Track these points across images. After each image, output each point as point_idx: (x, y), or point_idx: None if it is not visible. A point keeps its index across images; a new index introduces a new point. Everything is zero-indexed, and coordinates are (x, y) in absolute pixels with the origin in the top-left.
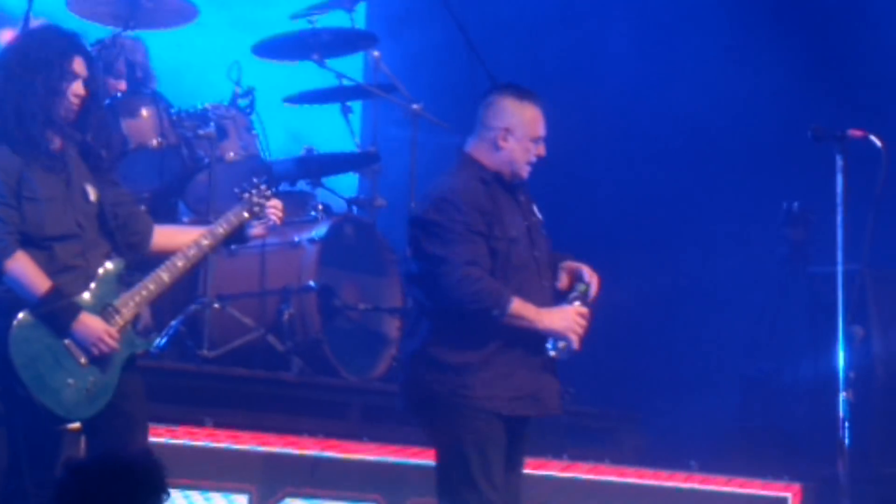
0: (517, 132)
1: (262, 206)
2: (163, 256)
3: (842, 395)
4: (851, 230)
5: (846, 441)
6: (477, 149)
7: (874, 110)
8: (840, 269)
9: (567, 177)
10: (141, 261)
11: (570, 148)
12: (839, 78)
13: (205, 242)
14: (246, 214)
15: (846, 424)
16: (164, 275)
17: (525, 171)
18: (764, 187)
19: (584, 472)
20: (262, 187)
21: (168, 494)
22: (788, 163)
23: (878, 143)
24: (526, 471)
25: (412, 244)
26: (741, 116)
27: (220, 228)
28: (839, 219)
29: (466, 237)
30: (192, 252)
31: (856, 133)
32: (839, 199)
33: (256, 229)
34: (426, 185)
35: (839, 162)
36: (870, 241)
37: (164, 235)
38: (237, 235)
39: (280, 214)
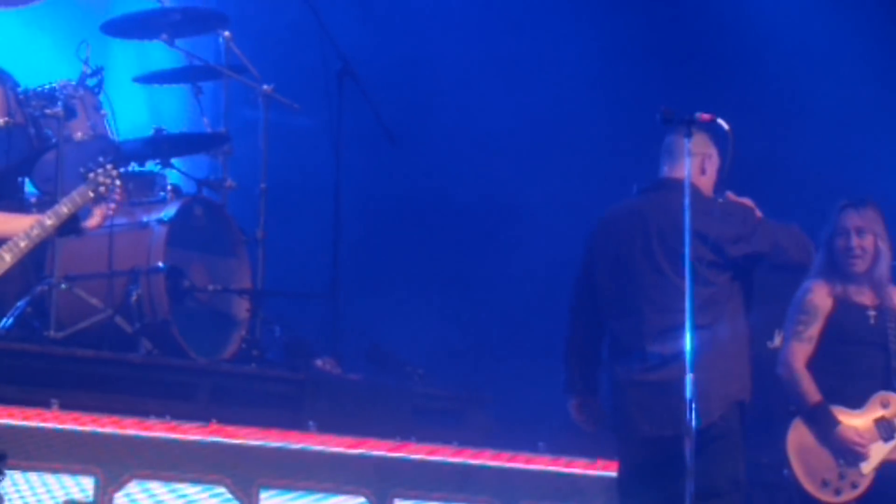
0: (714, 160)
1: (107, 186)
2: None
3: (689, 377)
4: None
5: (692, 422)
6: (692, 175)
7: (722, 93)
8: (688, 251)
9: (417, 163)
10: None
11: (419, 134)
12: (688, 61)
13: (48, 222)
14: (91, 194)
15: (693, 406)
16: (6, 255)
17: None
18: (613, 170)
19: (425, 454)
20: (108, 167)
21: (3, 475)
22: (637, 146)
23: (725, 126)
24: (359, 452)
25: (727, 259)
26: (590, 100)
27: (65, 208)
28: (686, 202)
29: None
30: (36, 232)
31: (704, 116)
32: (687, 182)
33: (92, 220)
34: (661, 213)
35: (687, 145)
36: None
37: None
38: (70, 227)
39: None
